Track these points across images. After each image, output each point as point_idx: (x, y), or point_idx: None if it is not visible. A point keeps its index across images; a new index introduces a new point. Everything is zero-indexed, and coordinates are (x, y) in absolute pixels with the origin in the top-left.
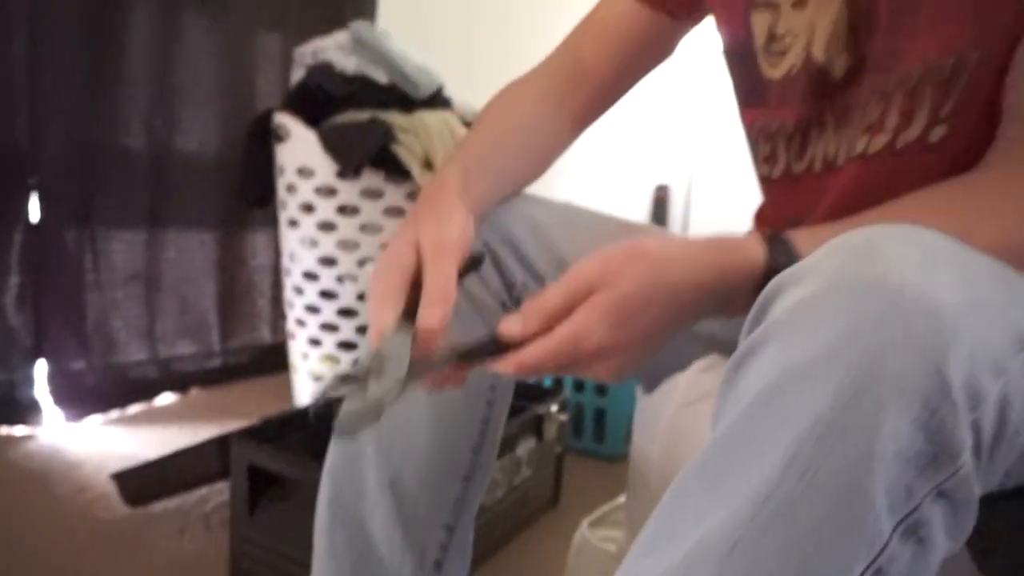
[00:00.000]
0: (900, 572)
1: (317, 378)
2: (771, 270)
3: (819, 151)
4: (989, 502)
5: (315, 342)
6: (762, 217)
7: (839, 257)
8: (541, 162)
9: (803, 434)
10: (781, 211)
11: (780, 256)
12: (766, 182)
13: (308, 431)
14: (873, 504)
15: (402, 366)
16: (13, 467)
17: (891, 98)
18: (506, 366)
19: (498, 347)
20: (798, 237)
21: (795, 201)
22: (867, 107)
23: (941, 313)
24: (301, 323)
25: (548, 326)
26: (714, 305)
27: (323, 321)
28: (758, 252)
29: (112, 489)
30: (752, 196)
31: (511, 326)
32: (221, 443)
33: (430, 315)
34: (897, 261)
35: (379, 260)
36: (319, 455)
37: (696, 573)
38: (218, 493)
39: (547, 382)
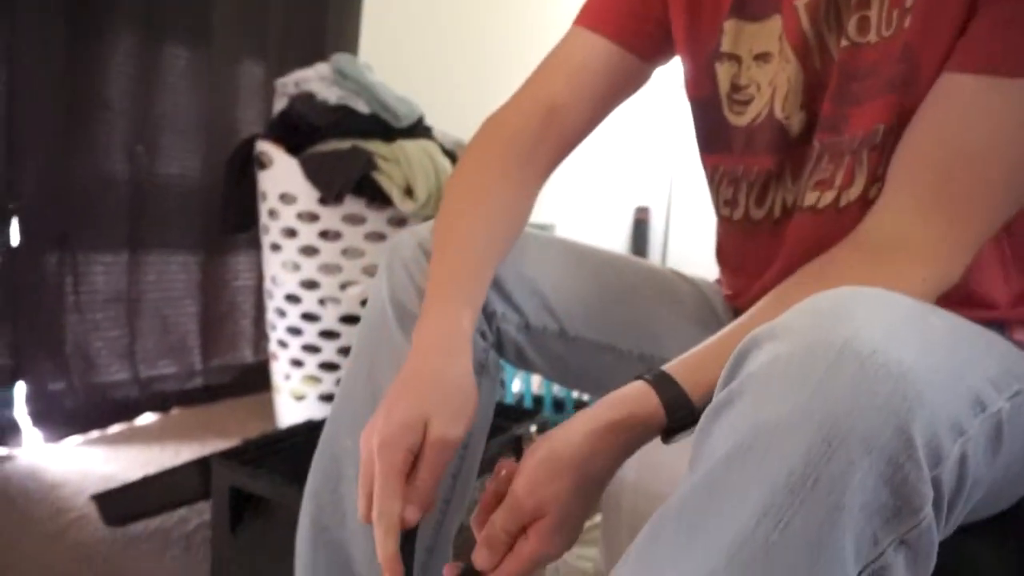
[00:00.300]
0: None
1: (299, 398)
2: (670, 411)
3: (778, 200)
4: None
5: (297, 363)
6: (723, 256)
7: (811, 318)
8: (520, 226)
9: (777, 486)
10: (741, 251)
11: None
12: (726, 223)
13: (289, 453)
14: (842, 551)
15: None
16: None
17: (840, 159)
18: None
19: (476, 573)
20: (678, 372)
21: (755, 243)
22: (819, 164)
23: (906, 377)
24: (283, 344)
25: (509, 548)
26: (627, 455)
27: (305, 342)
28: (652, 404)
29: (92, 510)
30: None
31: (483, 560)
32: (202, 464)
33: (412, 513)
34: (865, 325)
35: (385, 424)
36: (300, 477)
37: None
38: (199, 513)
39: (527, 403)
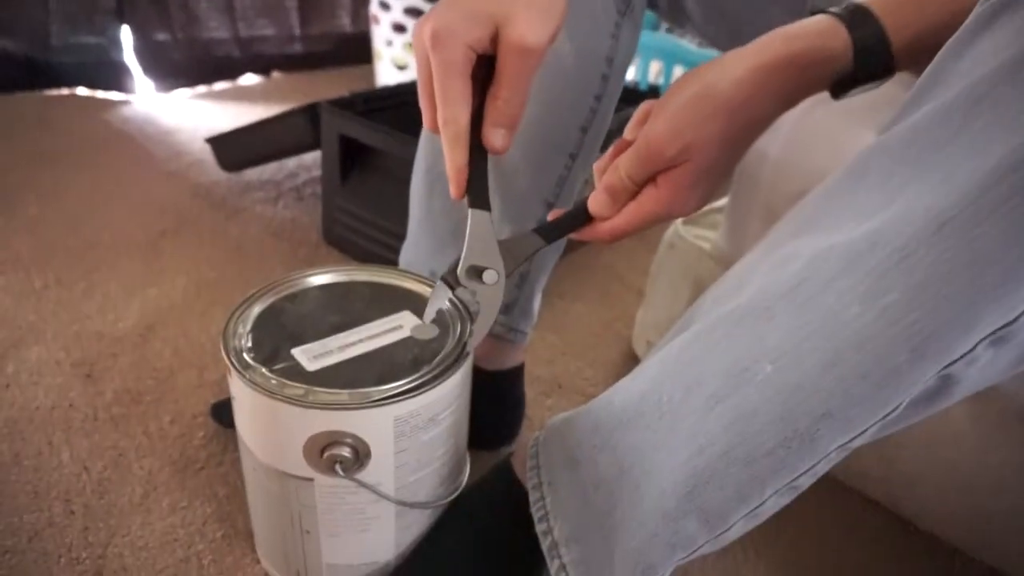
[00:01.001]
0: None
1: (401, 67)
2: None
3: None
4: None
5: (399, 28)
6: None
7: None
8: None
9: None
10: None
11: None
12: None
13: (399, 108)
14: None
15: (495, 259)
16: (111, 128)
17: None
18: (600, 234)
19: (587, 218)
20: (879, 5)
21: None
22: None
23: None
24: (385, 6)
25: (632, 197)
26: (791, 104)
27: (407, 4)
28: (839, 42)
29: (208, 156)
30: None
31: (601, 207)
32: (312, 112)
33: (497, 137)
34: None
35: (444, 11)
36: (411, 128)
37: (892, 244)
38: (307, 169)
39: (642, 86)
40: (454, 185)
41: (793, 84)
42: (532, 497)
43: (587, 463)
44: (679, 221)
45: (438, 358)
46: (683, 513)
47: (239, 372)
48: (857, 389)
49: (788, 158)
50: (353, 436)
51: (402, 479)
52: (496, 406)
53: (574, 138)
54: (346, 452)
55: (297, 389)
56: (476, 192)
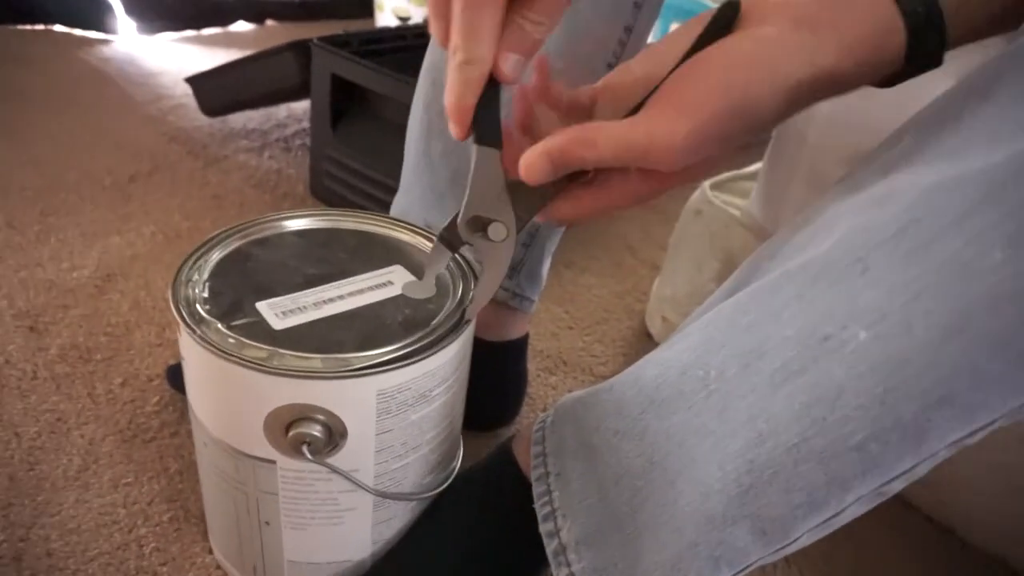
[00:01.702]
0: None
1: (403, 19)
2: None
3: None
4: None
5: None
6: None
7: None
8: None
9: None
10: None
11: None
12: None
13: (397, 51)
14: None
15: (504, 210)
16: (89, 67)
17: None
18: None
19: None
20: None
21: None
22: None
23: None
24: None
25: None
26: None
27: None
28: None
29: (191, 101)
30: None
31: (535, 174)
32: (301, 49)
33: (510, 65)
34: None
35: None
36: (408, 69)
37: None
38: (298, 120)
39: None
40: (456, 123)
41: (833, 93)
42: (537, 490)
43: (607, 452)
44: (707, 185)
45: (434, 323)
46: (733, 520)
47: (189, 327)
48: (991, 364)
49: (840, 115)
50: (326, 412)
51: (384, 466)
52: (496, 383)
53: (600, 74)
54: (316, 431)
55: (259, 351)
56: (484, 124)
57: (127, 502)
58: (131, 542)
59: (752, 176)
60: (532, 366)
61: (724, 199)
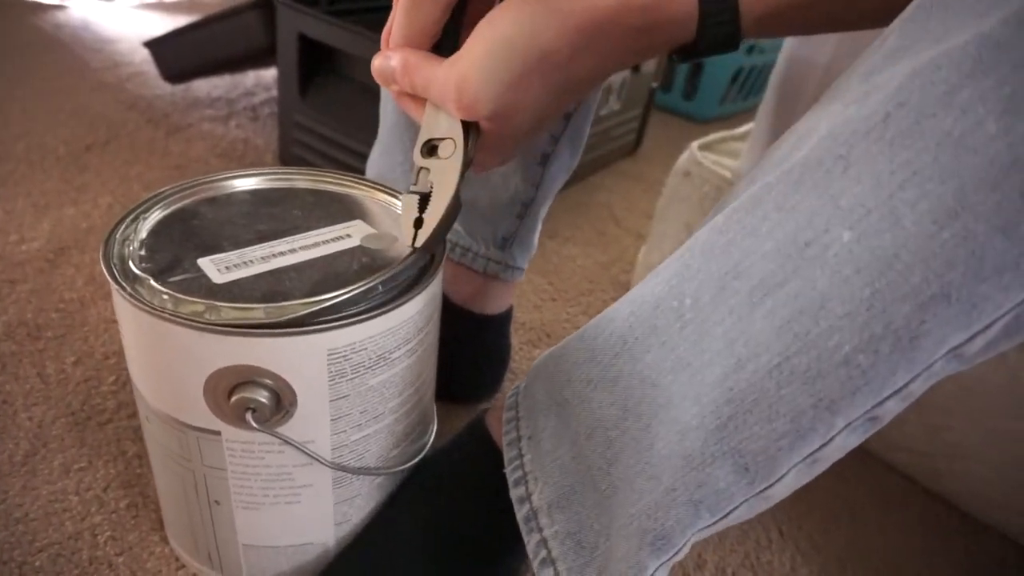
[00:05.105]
0: None
1: None
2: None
3: None
4: None
5: None
6: None
7: None
8: None
9: None
10: None
11: None
12: None
13: (367, 12)
14: None
15: (455, 127)
16: (42, 33)
17: None
18: None
19: None
20: None
21: None
22: None
23: None
24: None
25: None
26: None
27: None
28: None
29: (151, 69)
30: None
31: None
32: (267, 9)
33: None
34: None
35: None
36: (379, 31)
37: None
38: (267, 88)
39: None
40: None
41: (625, 45)
42: (508, 455)
43: (579, 404)
44: (695, 145)
45: (393, 272)
46: (712, 457)
47: (119, 284)
48: (994, 247)
49: (843, 68)
50: (271, 374)
51: (341, 436)
52: (479, 355)
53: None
54: (262, 396)
55: (195, 305)
56: (446, 43)
57: (80, 488)
58: (84, 531)
59: (742, 137)
60: (515, 339)
61: (714, 159)
